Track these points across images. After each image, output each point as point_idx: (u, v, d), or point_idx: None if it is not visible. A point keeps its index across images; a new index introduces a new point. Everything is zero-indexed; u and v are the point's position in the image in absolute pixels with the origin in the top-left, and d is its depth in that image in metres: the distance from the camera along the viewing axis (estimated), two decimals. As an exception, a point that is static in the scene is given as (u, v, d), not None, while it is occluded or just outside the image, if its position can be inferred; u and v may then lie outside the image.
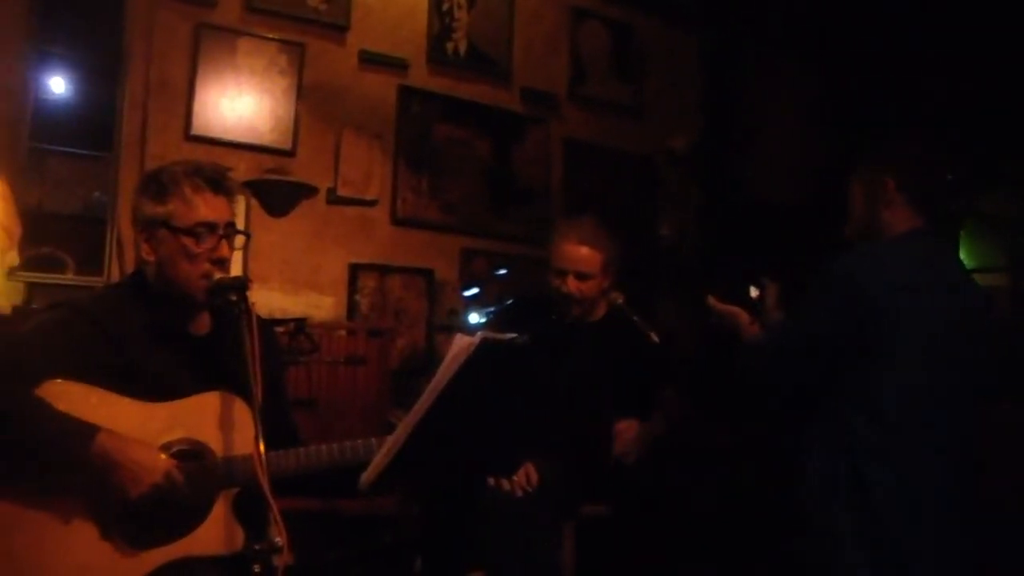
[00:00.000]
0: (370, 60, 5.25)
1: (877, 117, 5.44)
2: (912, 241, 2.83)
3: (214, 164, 2.59)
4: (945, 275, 2.80)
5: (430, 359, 5.14)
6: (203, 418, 2.40)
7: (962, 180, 5.42)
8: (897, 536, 2.58)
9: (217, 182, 2.48)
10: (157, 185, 2.46)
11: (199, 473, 2.34)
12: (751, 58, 6.36)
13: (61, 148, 4.55)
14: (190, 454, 2.36)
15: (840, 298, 2.68)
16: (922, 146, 2.97)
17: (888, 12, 5.47)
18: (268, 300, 4.69)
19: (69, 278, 4.43)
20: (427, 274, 5.38)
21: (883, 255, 2.78)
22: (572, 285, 3.65)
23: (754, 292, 3.19)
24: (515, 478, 3.26)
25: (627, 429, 3.55)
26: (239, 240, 2.55)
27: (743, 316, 3.08)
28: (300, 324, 4.31)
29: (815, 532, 2.72)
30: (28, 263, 4.25)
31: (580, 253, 3.66)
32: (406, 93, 5.38)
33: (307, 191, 4.91)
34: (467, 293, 5.11)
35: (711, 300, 3.19)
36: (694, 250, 6.31)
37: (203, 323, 2.56)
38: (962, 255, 5.58)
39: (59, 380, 2.27)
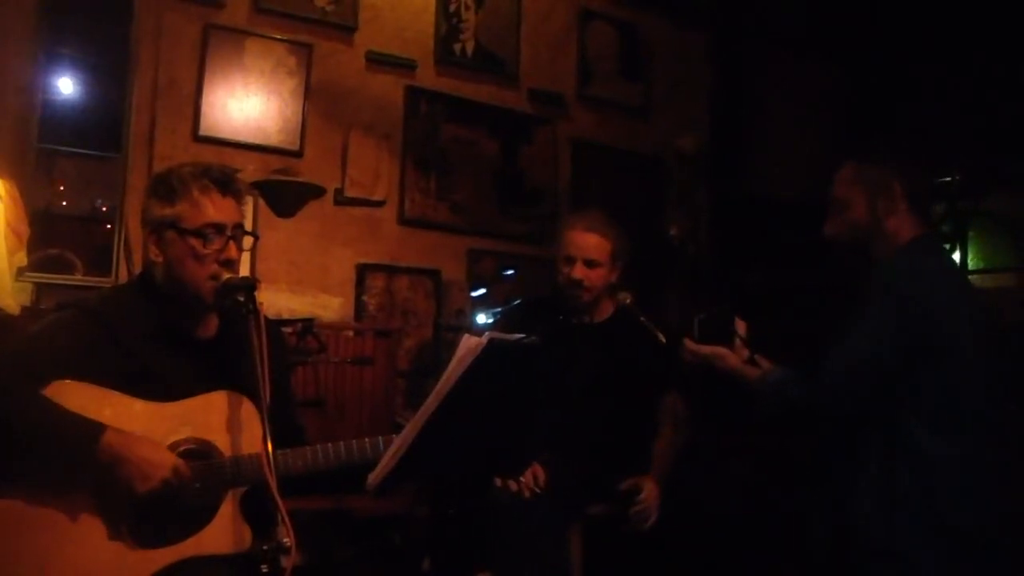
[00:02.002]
0: (378, 61, 5.26)
1: (886, 115, 5.43)
2: (930, 247, 2.81)
3: (223, 165, 2.59)
4: (962, 279, 2.81)
5: (438, 360, 5.15)
6: (210, 418, 2.40)
7: (969, 179, 5.42)
8: (971, 541, 2.54)
9: (225, 183, 2.49)
10: (166, 186, 2.46)
11: (207, 472, 2.34)
12: (759, 57, 6.35)
13: (69, 149, 4.55)
14: (197, 453, 2.37)
15: (903, 315, 2.61)
16: (918, 148, 2.96)
17: (897, 10, 5.46)
18: (275, 300, 4.70)
19: (78, 279, 4.43)
20: (434, 274, 5.38)
21: (922, 265, 2.73)
22: (580, 272, 3.64)
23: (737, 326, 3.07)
24: (523, 479, 3.25)
25: (644, 500, 3.52)
26: (247, 241, 2.55)
27: (730, 356, 2.98)
28: (307, 324, 4.31)
29: (873, 541, 2.63)
30: (36, 264, 4.26)
31: (589, 240, 3.66)
32: (414, 94, 5.39)
33: (315, 192, 4.92)
34: (475, 293, 5.11)
35: (688, 343, 3.08)
36: (702, 250, 6.30)
37: (211, 325, 2.56)
38: (970, 255, 5.57)
39: (67, 380, 2.28)
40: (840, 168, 2.94)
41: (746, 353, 2.96)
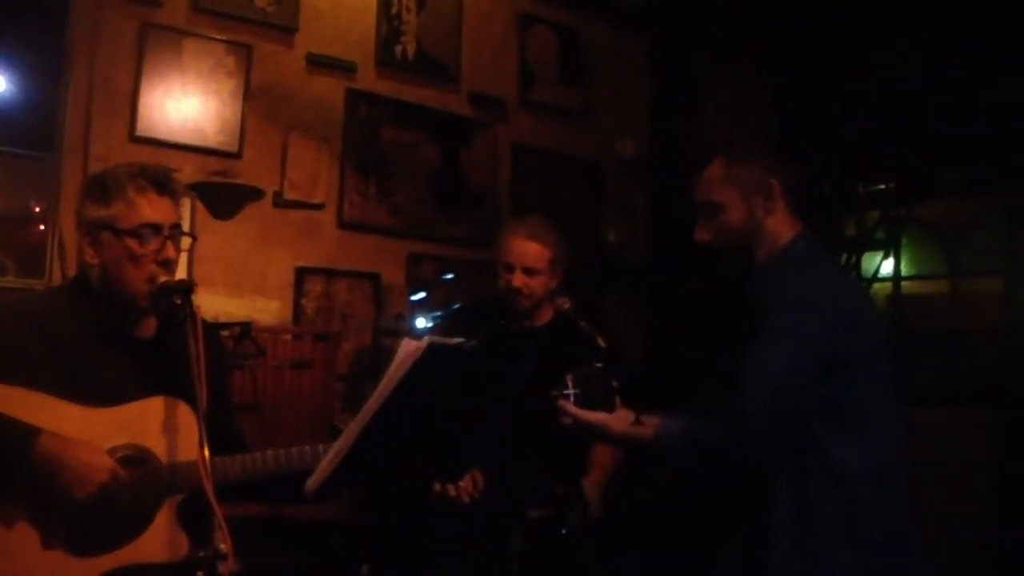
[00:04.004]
0: (318, 62, 5.23)
1: (823, 123, 5.50)
2: (818, 248, 2.63)
3: (159, 165, 2.57)
4: (856, 278, 2.61)
5: (376, 364, 5.13)
6: (147, 423, 2.37)
7: (903, 187, 5.51)
8: (888, 551, 2.39)
9: (162, 183, 2.46)
10: (101, 187, 2.43)
11: (144, 479, 2.32)
12: (699, 62, 6.40)
13: (1, 148, 4.47)
14: (134, 460, 2.34)
15: (819, 326, 2.39)
16: (788, 146, 2.80)
17: (835, 19, 5.53)
18: (213, 304, 4.64)
19: (9, 281, 4.35)
20: (374, 278, 5.36)
21: (824, 270, 2.59)
22: (519, 280, 3.62)
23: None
24: (461, 484, 3.25)
25: (583, 503, 3.55)
26: (185, 242, 2.53)
27: (616, 423, 2.55)
28: (245, 328, 4.28)
29: (790, 562, 2.39)
30: (-34, 266, 4.18)
31: (529, 248, 3.65)
32: (354, 96, 5.37)
33: (253, 194, 4.88)
34: (414, 297, 5.11)
35: (567, 407, 2.58)
36: (640, 255, 6.34)
37: (148, 327, 2.53)
38: (902, 262, 5.67)
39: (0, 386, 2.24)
40: (707, 168, 2.72)
41: (631, 415, 2.57)
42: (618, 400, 2.58)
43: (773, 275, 2.57)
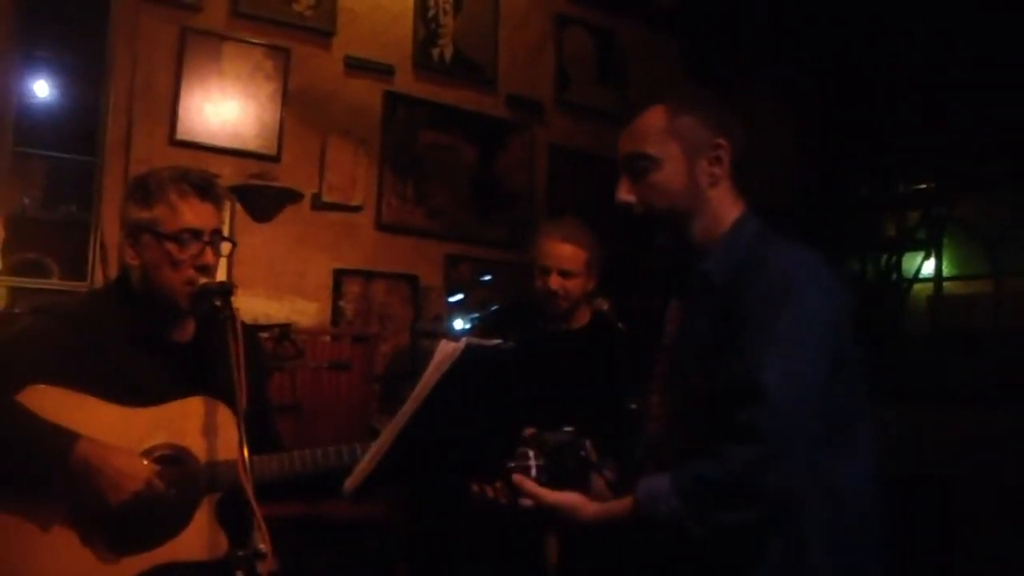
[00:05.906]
0: (356, 66, 5.25)
1: (861, 122, 5.46)
2: (771, 231, 2.11)
3: (203, 170, 2.58)
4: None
5: (415, 365, 5.14)
6: (186, 423, 2.39)
7: (943, 187, 5.45)
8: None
9: (204, 188, 2.47)
10: (144, 190, 2.44)
11: (182, 478, 2.33)
12: (733, 63, 6.37)
13: (45, 152, 4.53)
14: (172, 459, 2.36)
15: (829, 320, 1.93)
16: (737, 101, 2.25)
17: (871, 18, 5.49)
18: (252, 306, 4.67)
19: (53, 283, 4.41)
20: (412, 280, 5.38)
21: (808, 253, 2.00)
22: (555, 283, 3.62)
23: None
24: (499, 484, 3.26)
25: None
26: (225, 247, 2.54)
27: (588, 505, 2.03)
28: (284, 330, 4.30)
29: None
30: (11, 268, 4.23)
31: (563, 251, 3.65)
32: (391, 99, 5.39)
33: (292, 197, 4.90)
34: (452, 299, 5.11)
35: (526, 485, 2.04)
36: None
37: (187, 329, 2.55)
38: (944, 262, 5.61)
39: (42, 385, 2.27)
40: (642, 113, 2.27)
41: (607, 491, 2.14)
42: (595, 473, 2.14)
43: (740, 256, 2.08)
